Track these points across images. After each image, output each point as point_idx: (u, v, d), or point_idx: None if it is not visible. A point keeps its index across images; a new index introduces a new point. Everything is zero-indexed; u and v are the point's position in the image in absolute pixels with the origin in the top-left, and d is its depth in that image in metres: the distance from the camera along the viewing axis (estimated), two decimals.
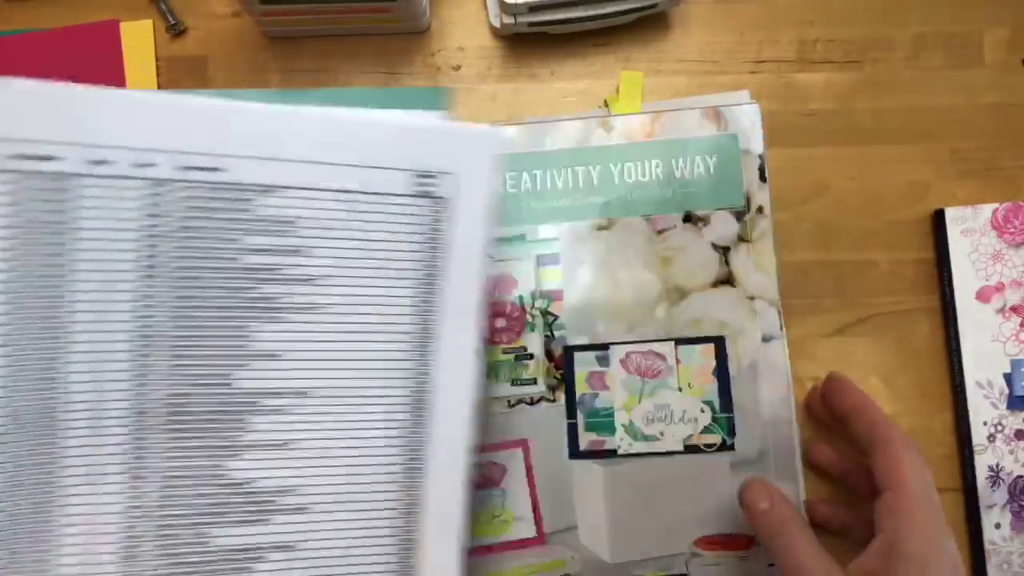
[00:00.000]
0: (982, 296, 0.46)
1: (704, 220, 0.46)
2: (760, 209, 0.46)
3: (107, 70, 0.49)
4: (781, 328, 0.45)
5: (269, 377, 0.35)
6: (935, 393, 0.47)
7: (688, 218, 0.46)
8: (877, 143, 0.49)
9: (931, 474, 0.37)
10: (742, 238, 0.46)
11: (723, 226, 0.46)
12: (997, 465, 0.45)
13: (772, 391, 0.45)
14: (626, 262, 0.46)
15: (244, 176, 0.34)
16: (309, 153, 0.34)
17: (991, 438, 0.46)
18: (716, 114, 0.46)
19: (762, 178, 0.46)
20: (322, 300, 0.35)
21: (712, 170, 0.46)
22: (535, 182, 0.46)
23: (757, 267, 0.46)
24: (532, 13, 0.46)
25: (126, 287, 0.33)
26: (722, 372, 0.45)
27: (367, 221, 0.35)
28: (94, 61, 0.49)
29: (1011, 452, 0.45)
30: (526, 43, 0.49)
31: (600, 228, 0.46)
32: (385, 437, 0.36)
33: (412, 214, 0.35)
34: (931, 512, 0.36)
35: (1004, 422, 0.46)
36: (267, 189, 0.34)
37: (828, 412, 0.44)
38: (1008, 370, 0.46)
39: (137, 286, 0.33)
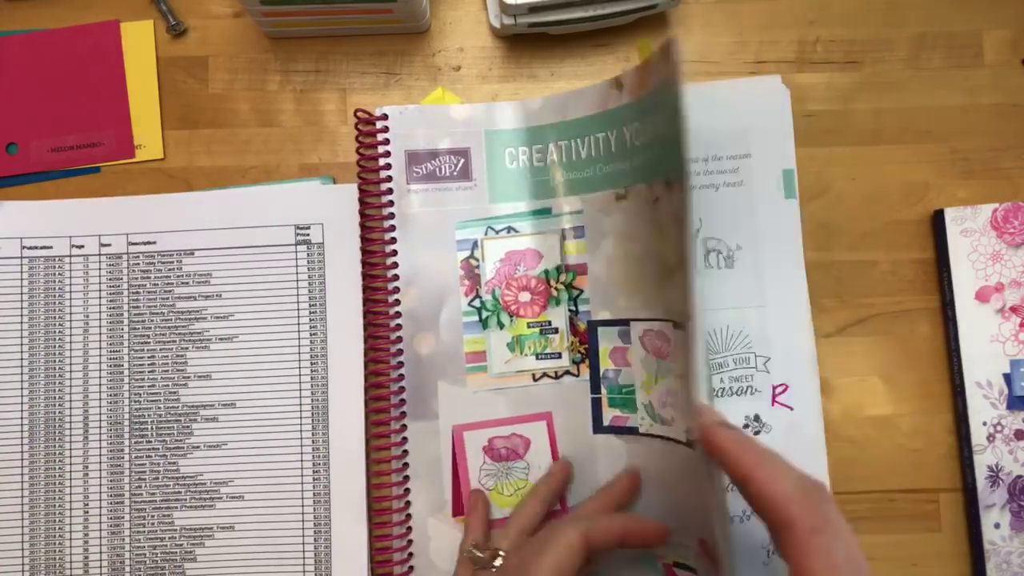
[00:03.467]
0: (981, 296, 0.46)
1: None
2: None
3: (107, 70, 0.49)
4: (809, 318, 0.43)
5: (205, 393, 0.46)
6: (935, 393, 0.47)
7: None
8: (877, 143, 0.49)
9: (855, 544, 0.29)
10: None
11: None
12: (997, 465, 0.45)
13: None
14: (637, 233, 0.43)
15: (172, 244, 0.47)
16: (216, 223, 0.47)
17: (991, 438, 0.46)
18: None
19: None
20: (238, 331, 0.46)
21: None
22: (561, 153, 0.45)
23: None
24: (532, 14, 0.46)
25: (98, 332, 0.46)
26: None
27: (263, 267, 0.47)
28: (94, 61, 0.49)
29: (1010, 452, 0.45)
30: (526, 43, 0.49)
31: (619, 198, 0.44)
32: (296, 435, 0.46)
33: (295, 258, 0.46)
34: None
35: (1004, 422, 0.46)
36: (189, 252, 0.47)
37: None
38: (1008, 370, 0.46)
39: (106, 330, 0.46)
